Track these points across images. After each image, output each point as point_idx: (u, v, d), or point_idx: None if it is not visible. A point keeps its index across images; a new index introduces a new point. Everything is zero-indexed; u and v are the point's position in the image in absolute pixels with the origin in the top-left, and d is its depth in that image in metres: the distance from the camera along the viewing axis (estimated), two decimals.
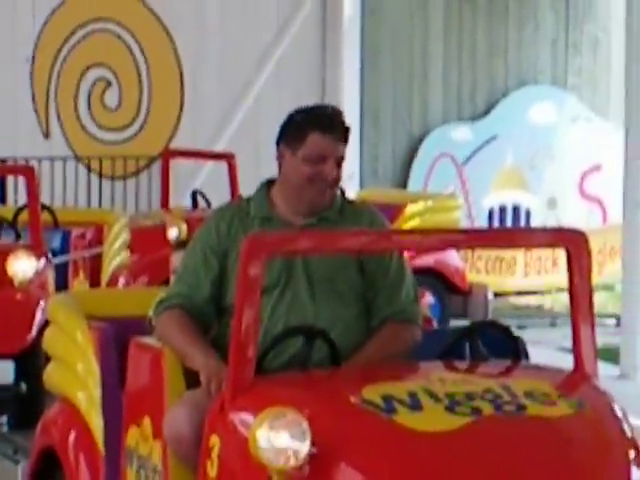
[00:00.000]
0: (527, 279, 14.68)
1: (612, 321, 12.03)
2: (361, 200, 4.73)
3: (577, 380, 3.82)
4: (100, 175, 13.60)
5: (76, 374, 4.65)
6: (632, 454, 3.36)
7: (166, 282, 8.72)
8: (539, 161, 15.55)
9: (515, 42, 15.09)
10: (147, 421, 4.03)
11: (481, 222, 14.59)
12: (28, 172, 9.49)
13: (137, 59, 13.79)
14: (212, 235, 4.02)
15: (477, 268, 13.71)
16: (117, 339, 4.50)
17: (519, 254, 14.25)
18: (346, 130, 4.00)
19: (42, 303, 8.37)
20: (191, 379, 3.93)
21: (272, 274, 3.84)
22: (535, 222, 15.02)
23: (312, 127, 3.84)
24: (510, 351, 3.92)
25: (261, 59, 13.90)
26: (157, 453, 3.95)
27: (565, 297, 12.41)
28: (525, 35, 15.09)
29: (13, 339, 8.26)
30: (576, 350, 3.82)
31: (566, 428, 3.41)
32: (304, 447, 3.12)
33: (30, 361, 8.04)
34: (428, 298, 9.78)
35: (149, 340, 4.21)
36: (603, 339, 8.18)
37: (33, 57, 13.49)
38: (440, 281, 11.15)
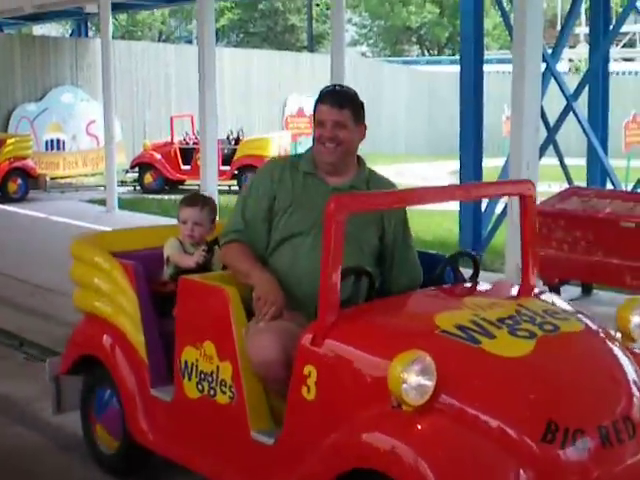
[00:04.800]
0: (65, 171, 20.14)
1: None
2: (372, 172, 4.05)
3: (537, 293, 3.76)
4: None
5: (114, 301, 4.35)
6: (622, 348, 3.35)
7: None
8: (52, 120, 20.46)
9: (53, 66, 20.87)
10: (209, 345, 3.76)
11: (41, 149, 19.65)
12: None
13: None
14: (267, 180, 3.87)
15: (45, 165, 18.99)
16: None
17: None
18: (344, 101, 3.76)
19: None
20: (251, 313, 3.66)
21: (307, 222, 3.75)
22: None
23: (318, 100, 3.78)
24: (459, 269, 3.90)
25: None
26: (227, 372, 3.65)
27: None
28: (59, 61, 20.96)
29: None
30: (525, 270, 3.78)
31: (589, 338, 3.41)
32: (432, 384, 2.92)
33: None
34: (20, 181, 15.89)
35: (195, 277, 3.93)
36: None
37: None
38: (25, 173, 16.18)
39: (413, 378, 2.89)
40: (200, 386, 3.84)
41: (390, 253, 3.90)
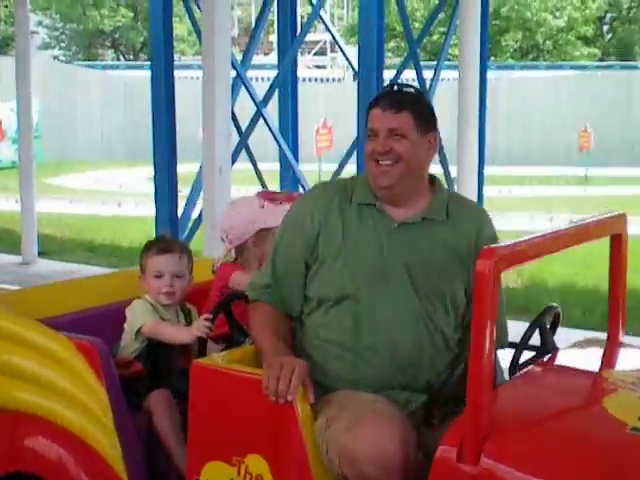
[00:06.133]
0: None
1: None
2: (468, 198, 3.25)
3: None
4: None
5: (65, 394, 3.12)
6: None
7: None
8: None
9: None
10: (257, 459, 2.79)
11: None
12: None
13: None
14: (306, 218, 2.91)
15: None
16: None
17: None
18: (402, 102, 2.82)
19: None
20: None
21: (366, 275, 2.81)
22: None
23: (370, 105, 2.90)
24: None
25: None
26: None
27: None
28: None
29: None
30: (613, 324, 3.06)
31: None
32: None
33: None
34: None
35: (216, 362, 2.87)
36: None
37: None
38: None
39: None
40: None
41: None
